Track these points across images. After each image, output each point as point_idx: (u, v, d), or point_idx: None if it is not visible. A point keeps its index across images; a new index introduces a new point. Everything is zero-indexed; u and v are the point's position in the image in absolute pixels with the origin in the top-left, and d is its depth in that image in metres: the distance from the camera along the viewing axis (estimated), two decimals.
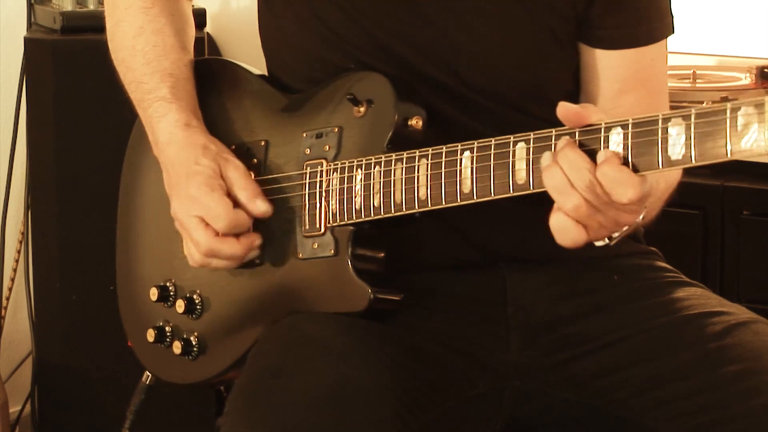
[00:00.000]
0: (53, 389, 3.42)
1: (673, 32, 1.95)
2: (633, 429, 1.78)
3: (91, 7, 3.15)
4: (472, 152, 1.65)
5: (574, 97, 1.90)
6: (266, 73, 2.02)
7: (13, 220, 3.54)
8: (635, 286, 1.90)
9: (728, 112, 1.43)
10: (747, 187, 2.43)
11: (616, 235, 1.61)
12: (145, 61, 1.98)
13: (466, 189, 1.65)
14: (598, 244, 1.62)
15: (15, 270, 3.54)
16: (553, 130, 1.58)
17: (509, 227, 1.68)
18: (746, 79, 2.61)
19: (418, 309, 1.83)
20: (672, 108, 1.57)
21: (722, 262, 2.25)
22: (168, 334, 1.99)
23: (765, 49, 2.84)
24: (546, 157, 1.56)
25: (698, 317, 1.82)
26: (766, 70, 2.58)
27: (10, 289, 3.54)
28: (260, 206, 1.84)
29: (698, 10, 2.88)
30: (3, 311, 3.54)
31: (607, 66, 1.91)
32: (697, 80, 2.60)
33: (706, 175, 2.40)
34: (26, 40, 3.37)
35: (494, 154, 1.63)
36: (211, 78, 2.02)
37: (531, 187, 1.59)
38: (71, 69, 3.23)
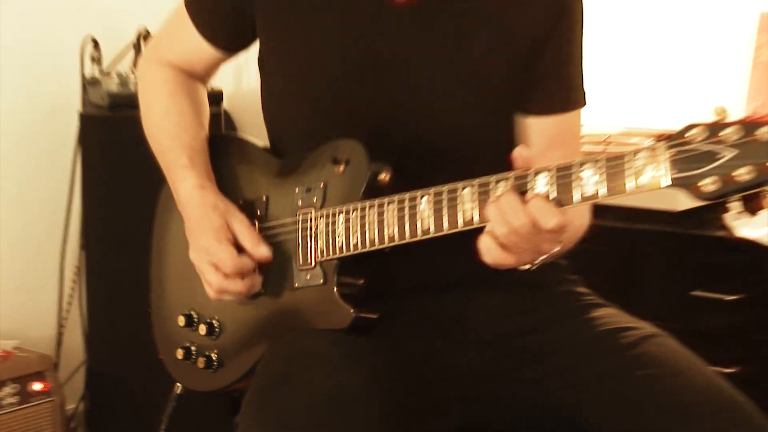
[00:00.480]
0: (101, 391, 3.40)
1: (586, 104, 1.95)
2: (569, 421, 1.75)
3: (132, 89, 3.13)
4: (429, 197, 1.65)
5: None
6: (267, 142, 2.01)
7: (71, 255, 3.52)
8: (565, 308, 1.88)
9: (631, 155, 1.45)
10: (649, 230, 2.42)
11: (537, 261, 1.62)
12: (169, 137, 1.98)
13: (425, 226, 1.65)
14: (523, 268, 1.63)
15: (71, 297, 3.51)
16: (493, 177, 1.58)
17: (467, 259, 1.66)
18: (647, 144, 2.60)
19: (396, 326, 1.80)
20: None
21: (629, 287, 2.21)
22: (193, 352, 1.97)
23: (662, 121, 2.85)
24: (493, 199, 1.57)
25: (614, 331, 1.80)
26: (660, 138, 2.57)
27: (68, 311, 3.51)
28: (262, 251, 1.84)
29: (612, 91, 2.88)
30: (62, 329, 3.51)
31: (538, 129, 1.91)
32: (609, 145, 2.59)
33: (618, 220, 2.40)
34: (81, 116, 3.35)
35: (446, 198, 1.63)
36: (224, 149, 2.01)
37: (475, 222, 1.59)
38: (117, 139, 3.22)
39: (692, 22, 2.97)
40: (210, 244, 1.84)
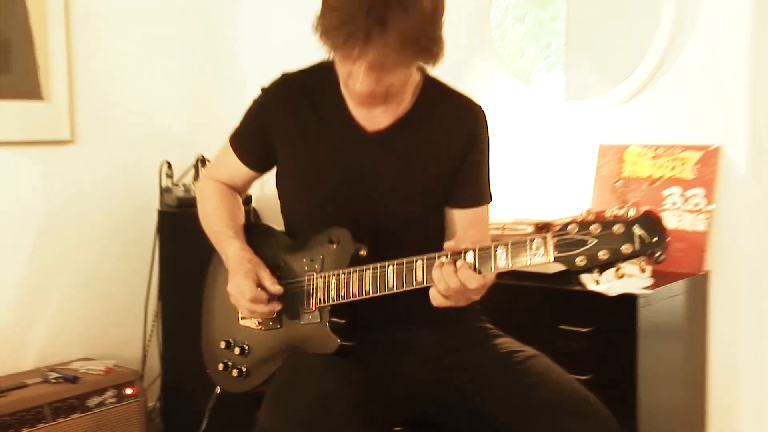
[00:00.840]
0: (171, 393, 3.35)
1: (492, 201, 1.94)
2: (480, 413, 1.73)
3: (193, 195, 3.11)
4: (393, 266, 1.66)
5: (443, 235, 1.90)
6: (284, 228, 1.98)
7: (152, 304, 3.47)
8: (477, 336, 1.86)
9: (530, 241, 1.49)
10: (531, 285, 2.42)
11: (463, 303, 1.64)
12: (220, 221, 1.96)
13: (390, 285, 1.67)
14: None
15: (152, 331, 3.46)
16: (436, 254, 1.61)
17: (415, 306, 1.66)
18: (528, 229, 2.59)
19: (367, 350, 1.78)
20: (492, 240, 1.63)
21: (519, 323, 2.20)
22: (230, 366, 1.93)
23: (538, 214, 2.86)
24: (437, 265, 1.60)
25: (510, 353, 1.79)
26: (539, 225, 2.58)
27: (149, 341, 3.46)
28: (276, 287, 1.81)
29: (507, 193, 2.89)
30: (146, 353, 3.46)
31: (459, 217, 1.89)
32: (505, 230, 2.59)
33: (512, 279, 2.38)
34: (159, 212, 3.33)
35: (405, 267, 1.65)
36: (255, 232, 1.98)
37: (425, 283, 1.62)
38: (182, 227, 3.20)
39: (557, 148, 3.01)
40: (240, 280, 1.81)
